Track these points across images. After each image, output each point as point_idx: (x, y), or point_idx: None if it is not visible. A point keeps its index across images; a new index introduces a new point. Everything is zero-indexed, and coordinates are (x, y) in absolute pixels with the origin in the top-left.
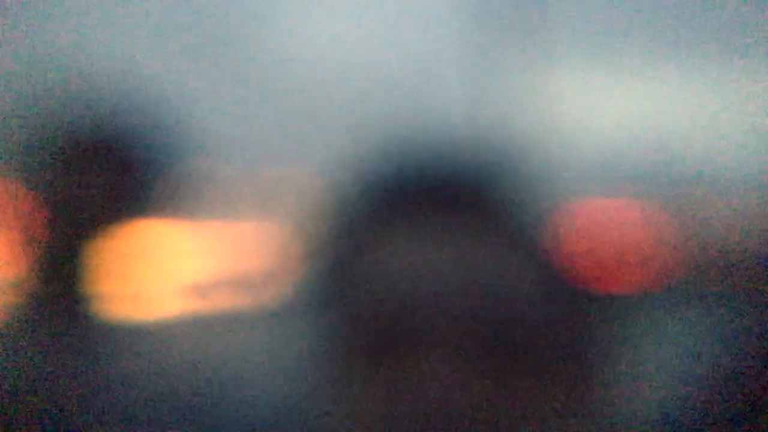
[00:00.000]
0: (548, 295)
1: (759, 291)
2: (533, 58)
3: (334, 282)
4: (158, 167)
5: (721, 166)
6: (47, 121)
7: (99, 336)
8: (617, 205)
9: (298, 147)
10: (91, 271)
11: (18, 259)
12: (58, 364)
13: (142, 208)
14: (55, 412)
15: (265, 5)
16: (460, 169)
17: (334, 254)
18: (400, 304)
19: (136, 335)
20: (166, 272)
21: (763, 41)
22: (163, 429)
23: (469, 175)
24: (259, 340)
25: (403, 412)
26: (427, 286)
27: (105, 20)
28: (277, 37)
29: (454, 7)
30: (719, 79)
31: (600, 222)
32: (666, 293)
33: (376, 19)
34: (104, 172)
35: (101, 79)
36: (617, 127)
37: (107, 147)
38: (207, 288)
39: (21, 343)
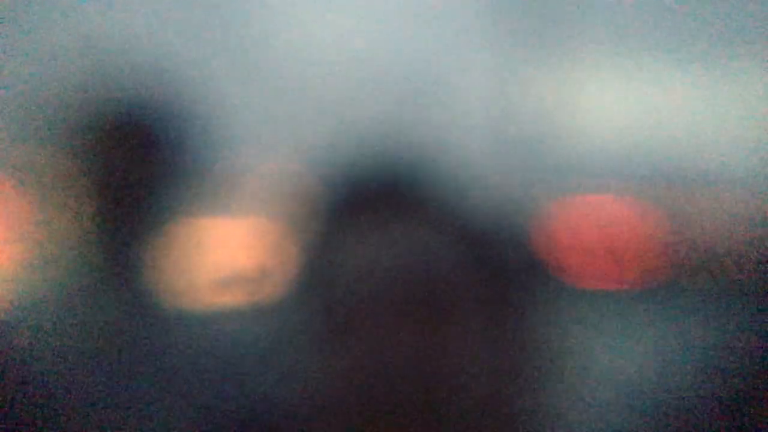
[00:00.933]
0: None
1: (755, 289)
2: (532, 57)
3: (332, 270)
4: (182, 163)
5: (722, 166)
6: (68, 116)
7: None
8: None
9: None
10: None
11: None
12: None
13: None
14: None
15: (283, 5)
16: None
17: (331, 245)
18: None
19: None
20: (206, 265)
21: (764, 42)
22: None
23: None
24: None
25: (373, 360)
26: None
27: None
28: (292, 38)
29: (461, 6)
30: (721, 80)
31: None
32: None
33: (389, 19)
34: (139, 164)
35: (142, 75)
36: (611, 125)
37: (139, 142)
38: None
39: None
